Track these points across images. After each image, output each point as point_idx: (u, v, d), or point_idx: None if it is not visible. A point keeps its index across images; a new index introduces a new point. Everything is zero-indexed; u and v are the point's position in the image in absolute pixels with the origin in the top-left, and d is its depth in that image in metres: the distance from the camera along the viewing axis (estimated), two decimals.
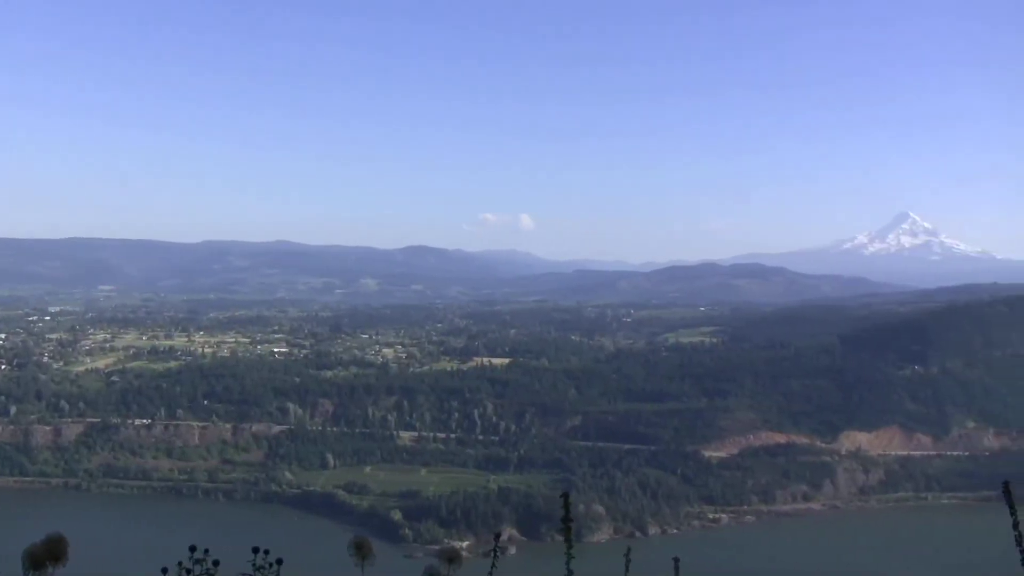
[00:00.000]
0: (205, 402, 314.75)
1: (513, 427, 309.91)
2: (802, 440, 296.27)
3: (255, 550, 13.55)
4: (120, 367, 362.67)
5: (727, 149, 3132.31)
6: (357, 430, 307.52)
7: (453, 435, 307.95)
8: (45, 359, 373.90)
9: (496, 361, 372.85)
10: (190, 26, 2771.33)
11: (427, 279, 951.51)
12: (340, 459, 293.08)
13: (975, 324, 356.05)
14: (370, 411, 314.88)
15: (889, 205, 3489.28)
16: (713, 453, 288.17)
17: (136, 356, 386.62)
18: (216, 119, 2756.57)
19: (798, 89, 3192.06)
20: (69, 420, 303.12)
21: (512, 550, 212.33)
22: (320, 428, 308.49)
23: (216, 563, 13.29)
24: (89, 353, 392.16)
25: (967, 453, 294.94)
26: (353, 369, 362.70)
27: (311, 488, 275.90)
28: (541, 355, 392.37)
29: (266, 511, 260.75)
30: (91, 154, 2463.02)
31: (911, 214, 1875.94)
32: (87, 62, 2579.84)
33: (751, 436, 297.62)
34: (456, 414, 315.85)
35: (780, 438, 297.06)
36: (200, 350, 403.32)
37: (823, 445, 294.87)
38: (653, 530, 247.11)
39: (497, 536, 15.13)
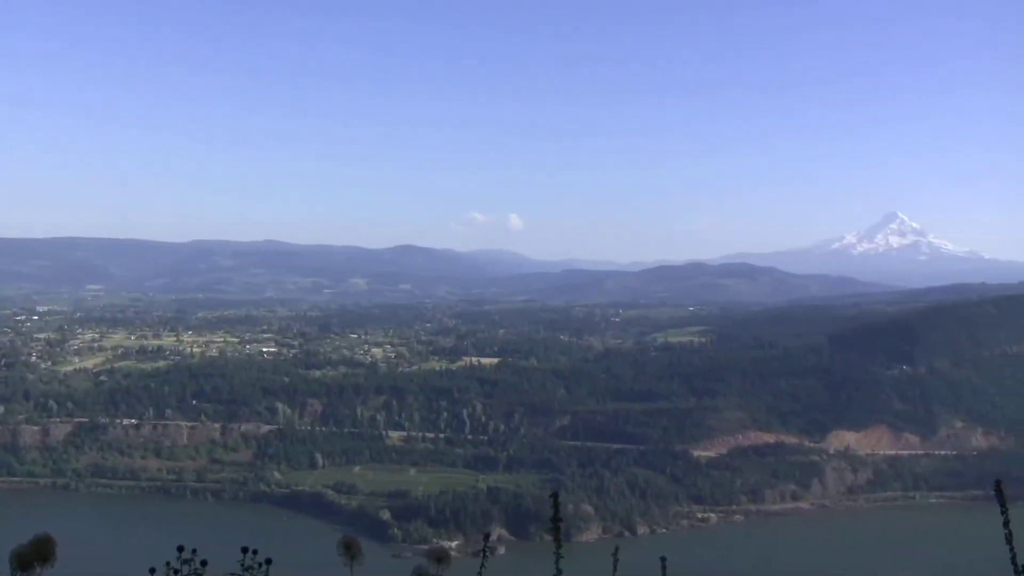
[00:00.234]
0: (194, 402, 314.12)
1: (502, 427, 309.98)
2: (791, 440, 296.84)
3: (244, 550, 13.50)
4: (108, 367, 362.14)
5: (716, 149, 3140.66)
6: (346, 430, 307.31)
7: (442, 435, 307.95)
8: (33, 359, 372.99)
9: (485, 361, 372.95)
10: (180, 25, 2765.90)
11: (416, 279, 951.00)
12: (329, 459, 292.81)
13: (963, 324, 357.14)
14: (359, 411, 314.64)
15: (877, 205, 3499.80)
16: (702, 453, 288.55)
17: (124, 356, 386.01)
18: (205, 119, 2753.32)
19: (787, 90, 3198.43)
20: (57, 420, 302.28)
21: (501, 550, 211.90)
22: (309, 428, 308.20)
23: (204, 563, 13.23)
24: (77, 353, 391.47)
25: (955, 453, 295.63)
26: (342, 369, 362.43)
27: (300, 488, 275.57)
28: (530, 355, 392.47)
29: (255, 511, 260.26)
30: (78, 153, 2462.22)
31: (899, 214, 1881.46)
32: (76, 60, 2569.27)
33: (740, 436, 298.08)
34: (445, 414, 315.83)
35: (769, 438, 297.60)
36: (189, 350, 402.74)
37: (811, 445, 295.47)
38: (642, 530, 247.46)
39: (486, 536, 15.06)
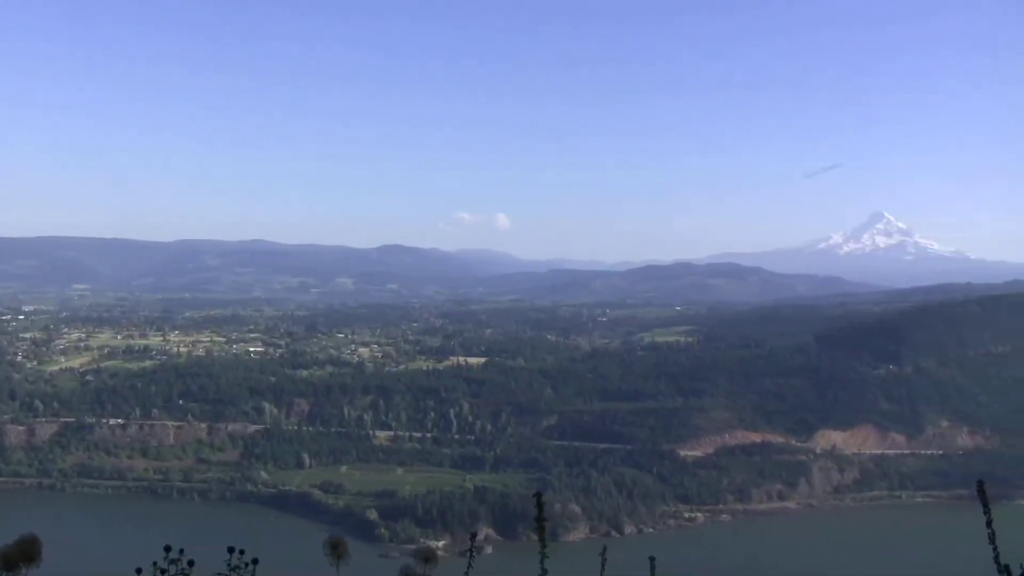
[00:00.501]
0: (180, 401, 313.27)
1: (489, 426, 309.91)
2: (777, 439, 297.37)
3: (230, 550, 13.50)
4: (95, 366, 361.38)
5: (704, 150, 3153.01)
6: (333, 429, 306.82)
7: (429, 434, 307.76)
8: (19, 358, 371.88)
9: (472, 360, 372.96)
10: (171, 26, 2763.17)
11: (403, 278, 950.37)
12: (316, 458, 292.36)
13: (949, 324, 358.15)
14: (346, 410, 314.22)
15: (864, 205, 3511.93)
16: (689, 452, 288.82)
17: (111, 355, 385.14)
18: (193, 119, 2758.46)
19: (774, 91, 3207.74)
20: (43, 420, 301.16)
21: (488, 549, 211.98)
22: (296, 427, 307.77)
23: (191, 563, 13.22)
24: (63, 352, 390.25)
25: (941, 452, 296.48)
26: (329, 368, 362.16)
27: (287, 488, 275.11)
28: (517, 354, 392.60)
29: (241, 511, 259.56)
30: (65, 152, 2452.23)
31: (886, 214, 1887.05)
32: (58, 57, 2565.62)
33: (726, 435, 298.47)
34: (432, 413, 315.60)
35: (755, 437, 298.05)
36: (175, 349, 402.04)
37: (798, 444, 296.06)
38: (629, 529, 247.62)
39: (473, 535, 15.06)
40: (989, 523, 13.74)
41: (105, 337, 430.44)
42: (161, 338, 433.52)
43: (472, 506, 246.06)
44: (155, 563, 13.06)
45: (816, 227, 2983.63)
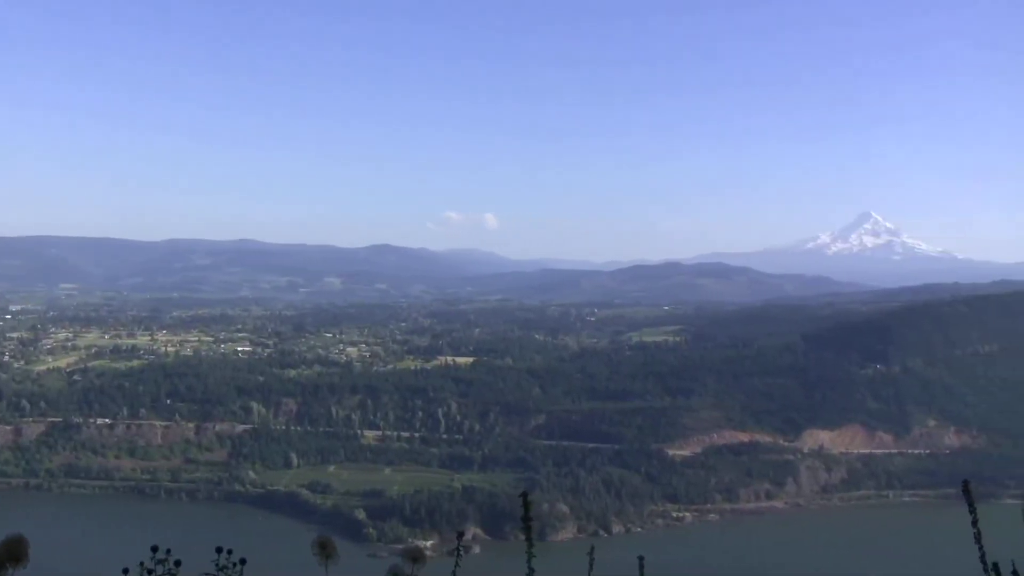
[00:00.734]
0: (168, 401, 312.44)
1: (477, 426, 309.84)
2: (765, 438, 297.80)
3: (218, 550, 13.45)
4: (82, 366, 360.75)
5: (692, 150, 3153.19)
6: (321, 429, 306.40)
7: (417, 434, 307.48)
8: (6, 358, 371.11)
9: (460, 360, 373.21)
10: (164, 25, 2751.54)
11: (391, 278, 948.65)
12: (304, 458, 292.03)
13: (936, 323, 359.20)
14: (334, 410, 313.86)
15: (851, 205, 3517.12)
16: (677, 451, 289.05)
17: (98, 355, 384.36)
18: (182, 118, 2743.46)
19: (761, 91, 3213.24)
20: (30, 419, 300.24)
21: (476, 549, 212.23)
22: (284, 427, 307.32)
23: (178, 563, 13.16)
24: (51, 352, 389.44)
25: (928, 451, 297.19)
26: (317, 368, 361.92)
27: (275, 487, 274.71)
28: (505, 354, 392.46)
29: (229, 511, 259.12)
30: (53, 151, 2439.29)
31: (873, 214, 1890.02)
32: (49, 56, 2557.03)
33: (714, 435, 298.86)
34: (420, 413, 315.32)
35: (743, 436, 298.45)
36: (163, 349, 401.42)
37: (786, 443, 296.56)
38: (617, 528, 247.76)
39: (460, 535, 15.06)
40: (975, 522, 13.80)
41: (93, 337, 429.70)
42: (149, 338, 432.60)
43: (460, 506, 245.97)
44: (142, 563, 13.01)
45: (804, 227, 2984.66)
